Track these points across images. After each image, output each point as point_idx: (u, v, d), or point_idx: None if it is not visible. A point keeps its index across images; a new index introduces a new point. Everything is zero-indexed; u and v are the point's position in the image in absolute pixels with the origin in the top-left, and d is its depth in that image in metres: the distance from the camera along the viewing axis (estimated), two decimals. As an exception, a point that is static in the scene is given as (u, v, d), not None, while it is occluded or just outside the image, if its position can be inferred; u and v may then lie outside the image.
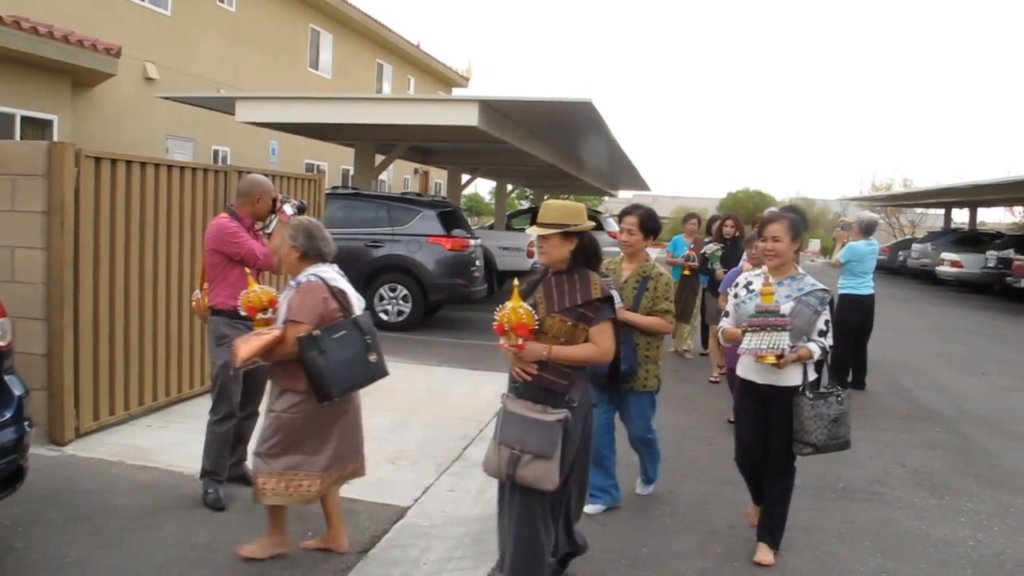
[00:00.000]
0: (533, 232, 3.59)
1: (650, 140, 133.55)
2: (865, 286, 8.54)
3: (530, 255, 15.68)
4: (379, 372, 4.04)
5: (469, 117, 11.36)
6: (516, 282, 3.53)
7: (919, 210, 42.98)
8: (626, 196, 48.38)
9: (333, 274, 4.04)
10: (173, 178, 6.43)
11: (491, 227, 22.76)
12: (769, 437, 4.30)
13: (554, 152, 18.11)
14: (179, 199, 6.50)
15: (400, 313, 11.27)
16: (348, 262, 10.83)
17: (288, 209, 5.04)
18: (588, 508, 4.75)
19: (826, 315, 4.22)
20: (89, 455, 5.33)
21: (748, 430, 4.42)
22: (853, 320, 8.56)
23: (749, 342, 4.08)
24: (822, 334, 4.21)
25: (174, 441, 5.70)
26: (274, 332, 3.88)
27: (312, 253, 4.02)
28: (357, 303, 4.09)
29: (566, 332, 3.49)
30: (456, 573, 4.03)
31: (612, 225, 25.99)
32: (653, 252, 5.24)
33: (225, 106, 13.81)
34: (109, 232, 5.77)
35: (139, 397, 6.17)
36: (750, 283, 4.37)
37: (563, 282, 3.54)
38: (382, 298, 11.29)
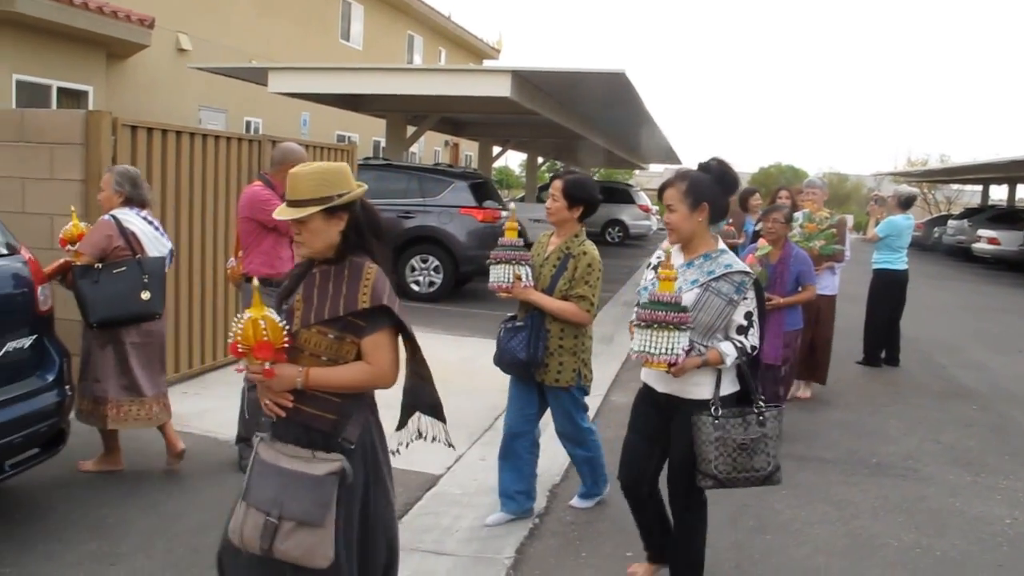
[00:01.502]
0: (284, 216, 2.49)
1: (681, 112, 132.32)
2: (901, 261, 8.43)
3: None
4: (148, 310, 4.35)
5: (502, 88, 11.29)
6: (256, 282, 2.57)
7: (955, 186, 42.29)
8: (657, 170, 48.02)
9: (132, 217, 4.43)
10: (208, 147, 6.47)
11: (522, 199, 22.75)
12: (670, 458, 3.40)
13: (585, 124, 18.00)
14: (213, 168, 6.54)
15: (431, 284, 11.30)
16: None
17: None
18: (489, 519, 4.26)
19: (747, 306, 3.16)
20: (126, 420, 5.41)
21: (637, 436, 3.49)
22: (888, 295, 8.47)
23: (637, 342, 3.06)
24: (742, 331, 3.16)
25: (209, 407, 5.78)
26: (60, 260, 4.39)
27: (136, 200, 4.49)
28: (154, 246, 4.49)
29: (328, 348, 2.50)
30: (488, 541, 4.06)
31: (643, 198, 25.90)
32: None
33: (257, 77, 13.84)
34: (145, 200, 5.81)
35: (175, 364, 6.24)
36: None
37: (327, 279, 2.52)
38: (413, 269, 11.32)
